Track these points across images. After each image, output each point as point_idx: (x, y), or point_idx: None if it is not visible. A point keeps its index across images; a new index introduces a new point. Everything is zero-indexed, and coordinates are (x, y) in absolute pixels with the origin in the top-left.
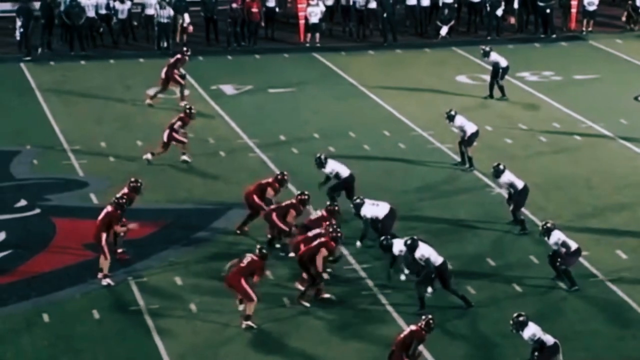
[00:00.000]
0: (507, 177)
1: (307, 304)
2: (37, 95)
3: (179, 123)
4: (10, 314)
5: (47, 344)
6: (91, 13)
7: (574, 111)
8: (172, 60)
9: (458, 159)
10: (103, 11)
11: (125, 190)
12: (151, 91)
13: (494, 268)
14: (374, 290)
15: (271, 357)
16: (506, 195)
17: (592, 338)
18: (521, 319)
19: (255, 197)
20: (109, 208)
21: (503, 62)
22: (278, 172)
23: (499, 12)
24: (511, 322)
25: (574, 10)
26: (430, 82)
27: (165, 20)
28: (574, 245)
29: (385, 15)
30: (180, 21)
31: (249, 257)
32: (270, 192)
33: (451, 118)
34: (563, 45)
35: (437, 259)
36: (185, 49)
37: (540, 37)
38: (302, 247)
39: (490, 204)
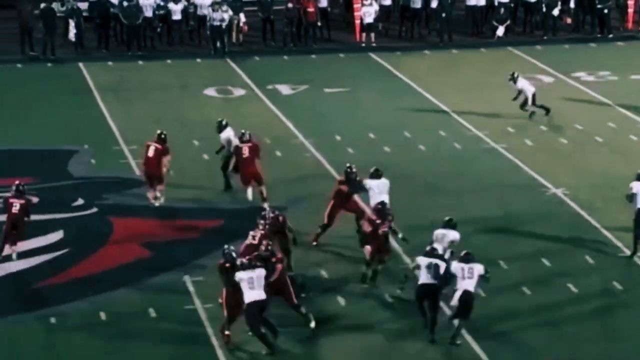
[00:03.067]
0: (228, 133)
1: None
2: (95, 95)
3: None
4: (67, 312)
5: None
6: (148, 13)
7: (630, 111)
8: None
9: (511, 157)
10: (160, 11)
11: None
12: None
13: (549, 268)
14: None
15: None
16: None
17: None
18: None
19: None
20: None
21: None
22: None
23: (556, 11)
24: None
25: (630, 10)
26: (486, 82)
27: (218, 23)
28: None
29: (444, 15)
30: (236, 21)
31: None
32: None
33: (515, 80)
34: (620, 45)
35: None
36: None
37: (597, 37)
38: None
39: (545, 204)
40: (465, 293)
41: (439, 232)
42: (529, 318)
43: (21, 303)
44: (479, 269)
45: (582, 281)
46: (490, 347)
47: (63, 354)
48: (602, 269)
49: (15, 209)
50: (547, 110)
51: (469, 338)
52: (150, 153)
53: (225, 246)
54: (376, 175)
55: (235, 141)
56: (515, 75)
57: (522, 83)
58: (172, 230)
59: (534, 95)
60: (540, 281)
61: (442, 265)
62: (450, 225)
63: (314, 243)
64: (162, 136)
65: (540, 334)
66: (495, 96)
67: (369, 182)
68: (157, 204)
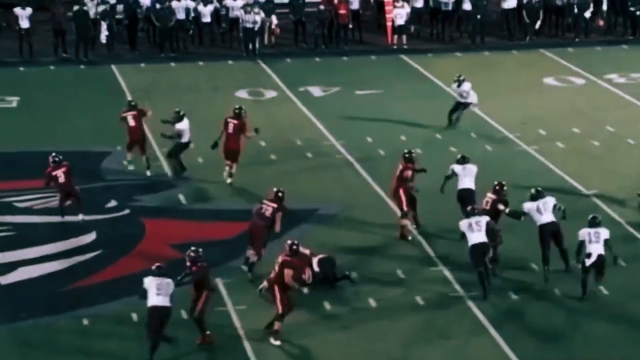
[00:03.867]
0: (184, 125)
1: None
2: (128, 96)
3: None
4: (100, 313)
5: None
6: (181, 15)
7: None
8: None
9: (543, 159)
10: (192, 14)
11: None
12: None
13: (578, 269)
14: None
15: None
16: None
17: None
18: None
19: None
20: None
21: None
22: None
23: (588, 13)
24: None
25: None
26: (518, 85)
27: (250, 25)
28: None
29: (478, 17)
30: (268, 23)
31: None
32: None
33: (460, 83)
34: None
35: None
36: None
37: (629, 39)
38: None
39: (577, 206)
40: (599, 256)
41: (591, 231)
42: (561, 320)
43: (54, 304)
44: (604, 233)
45: (615, 284)
46: (522, 348)
47: (95, 355)
48: (634, 272)
49: (61, 179)
50: (450, 123)
51: (498, 339)
52: (132, 122)
53: (192, 248)
54: (462, 160)
55: (188, 134)
56: (462, 78)
57: (467, 87)
58: (203, 232)
59: (460, 103)
60: (572, 284)
61: (484, 219)
62: (596, 223)
63: (419, 224)
64: (133, 103)
65: (573, 336)
66: (526, 98)
67: (454, 167)
68: (149, 173)
